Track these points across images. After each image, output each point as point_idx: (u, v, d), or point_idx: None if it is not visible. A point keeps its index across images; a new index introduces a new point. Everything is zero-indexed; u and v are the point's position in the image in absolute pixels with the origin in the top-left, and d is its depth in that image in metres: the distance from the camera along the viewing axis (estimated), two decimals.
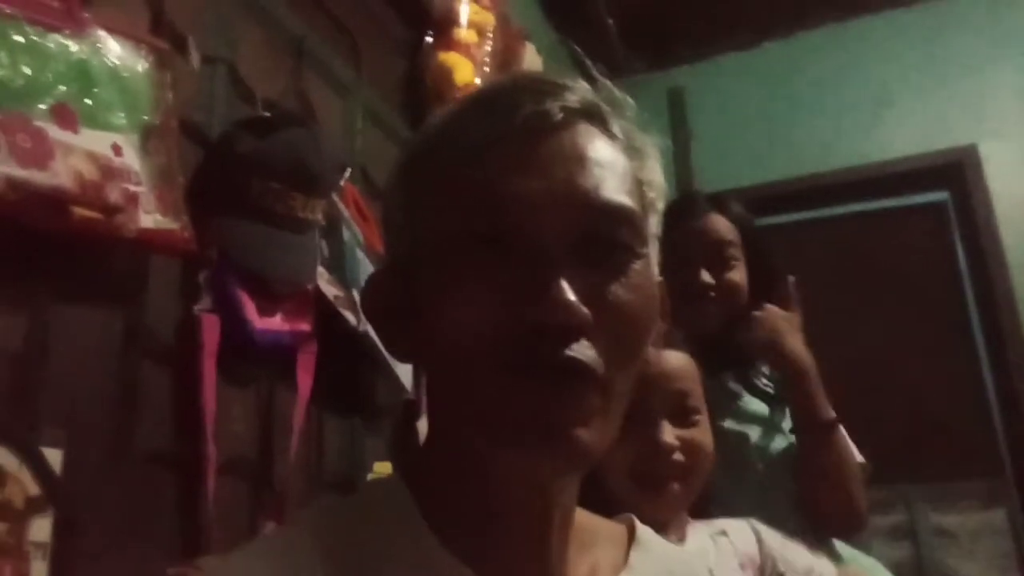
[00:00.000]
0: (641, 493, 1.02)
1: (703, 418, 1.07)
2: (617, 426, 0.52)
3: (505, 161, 0.50)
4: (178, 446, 1.07)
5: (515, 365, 0.47)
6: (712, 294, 1.47)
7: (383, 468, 1.52)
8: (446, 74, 1.76)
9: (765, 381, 1.53)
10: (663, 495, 1.02)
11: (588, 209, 0.50)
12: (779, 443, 1.47)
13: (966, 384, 2.85)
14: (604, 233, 0.51)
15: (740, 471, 1.42)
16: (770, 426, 1.48)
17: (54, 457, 0.90)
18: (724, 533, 1.06)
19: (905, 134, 2.97)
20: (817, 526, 1.37)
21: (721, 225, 1.51)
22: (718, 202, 1.56)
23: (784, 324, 1.43)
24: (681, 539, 1.05)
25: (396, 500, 0.55)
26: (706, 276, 1.47)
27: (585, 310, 0.47)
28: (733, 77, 3.26)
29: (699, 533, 1.07)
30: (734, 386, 1.52)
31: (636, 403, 1.00)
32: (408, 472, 0.57)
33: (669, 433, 1.03)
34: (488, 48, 1.87)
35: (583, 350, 0.47)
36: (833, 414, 1.39)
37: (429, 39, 1.84)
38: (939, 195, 3.06)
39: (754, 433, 1.47)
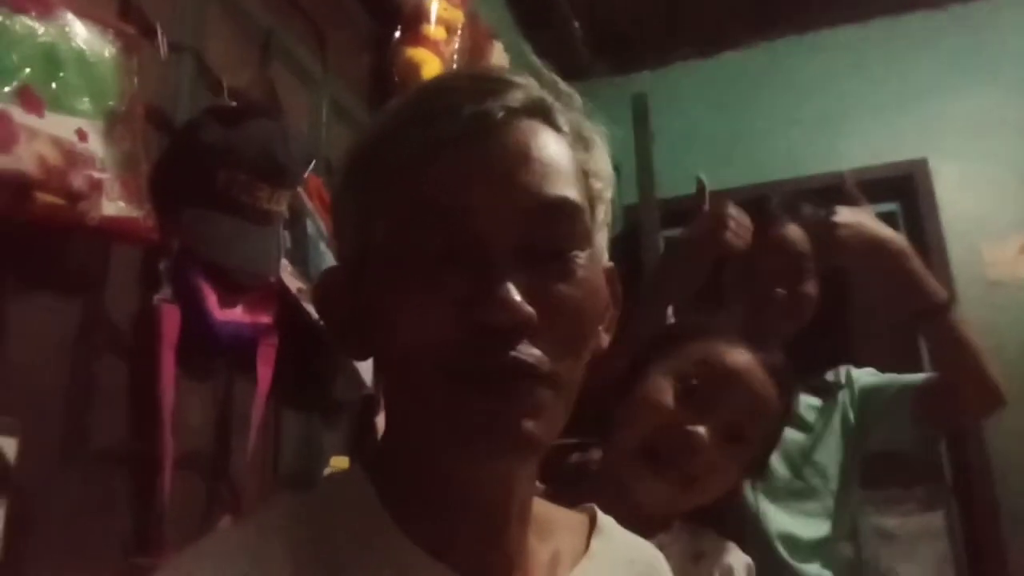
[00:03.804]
0: (639, 465, 0.96)
1: (747, 451, 1.00)
2: (567, 414, 0.53)
3: (447, 168, 0.50)
4: (135, 438, 1.06)
5: (463, 369, 0.48)
6: (785, 306, 1.45)
7: (340, 463, 1.51)
8: (414, 70, 1.76)
9: (826, 380, 1.52)
10: (655, 482, 0.96)
11: (531, 211, 0.51)
12: (819, 451, 1.44)
13: None
14: (547, 232, 0.51)
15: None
16: (807, 428, 1.46)
17: (8, 446, 0.88)
18: (699, 557, 0.99)
19: (859, 146, 3.03)
20: (955, 413, 1.40)
21: (796, 236, 1.48)
22: (792, 208, 1.52)
23: (864, 215, 1.41)
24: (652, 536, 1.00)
25: (359, 493, 0.55)
26: (781, 291, 1.45)
27: (529, 309, 0.48)
28: (695, 84, 3.30)
29: (675, 546, 0.98)
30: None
31: (703, 385, 0.97)
32: (369, 465, 0.58)
33: (708, 433, 0.95)
34: (456, 46, 1.86)
35: (527, 350, 0.48)
36: (946, 293, 1.38)
37: (397, 34, 1.83)
38: (890, 206, 3.14)
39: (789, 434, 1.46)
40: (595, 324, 0.55)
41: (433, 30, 1.82)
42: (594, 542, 0.64)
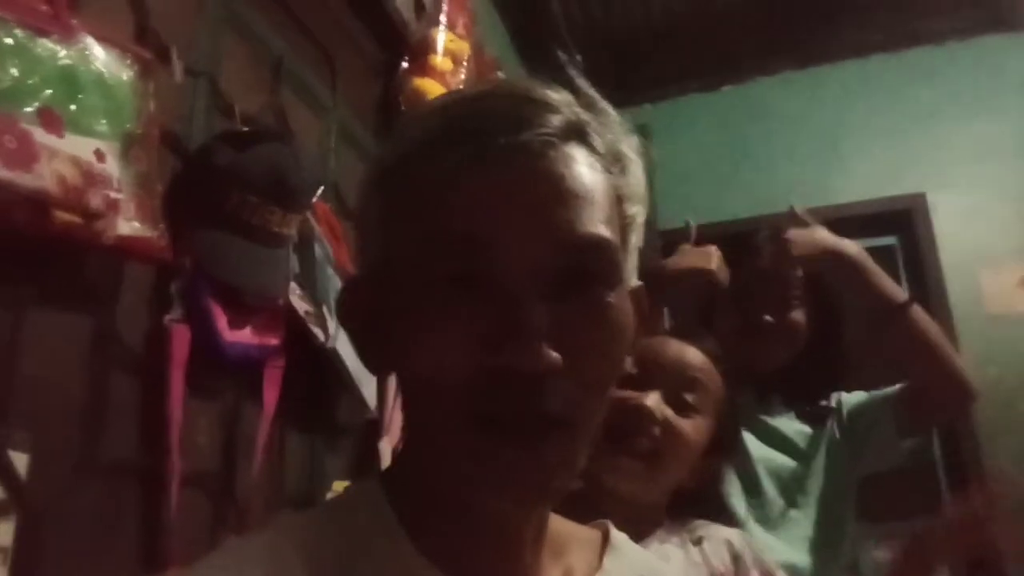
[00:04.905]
0: (603, 451, 1.00)
1: (699, 420, 1.06)
2: (587, 451, 0.52)
3: (478, 197, 0.49)
4: (143, 456, 1.06)
5: (483, 413, 0.47)
6: (774, 334, 1.51)
7: (343, 487, 1.51)
8: (420, 99, 1.78)
9: (820, 405, 1.56)
10: (624, 461, 1.01)
11: (562, 247, 0.49)
12: (811, 477, 1.47)
13: None
14: (578, 269, 0.50)
15: (752, 490, 1.44)
16: (796, 453, 1.50)
17: (20, 461, 0.89)
18: (700, 541, 1.05)
19: (858, 180, 3.07)
20: (930, 413, 1.42)
21: None
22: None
23: (817, 231, 1.46)
24: (650, 535, 1.04)
25: (374, 507, 0.55)
26: (769, 318, 1.50)
27: (555, 356, 0.46)
28: (695, 118, 3.35)
29: (673, 536, 1.05)
30: (778, 409, 1.55)
31: (640, 369, 1.04)
32: (385, 479, 0.58)
33: (657, 402, 1.02)
34: (462, 76, 1.90)
35: (550, 396, 0.47)
36: (904, 294, 1.41)
37: (405, 64, 1.86)
38: (888, 240, 3.17)
39: (775, 455, 1.48)
40: (621, 362, 0.53)
41: (440, 61, 1.86)
42: (607, 559, 0.63)
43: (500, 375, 0.46)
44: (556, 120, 0.51)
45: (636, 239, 0.57)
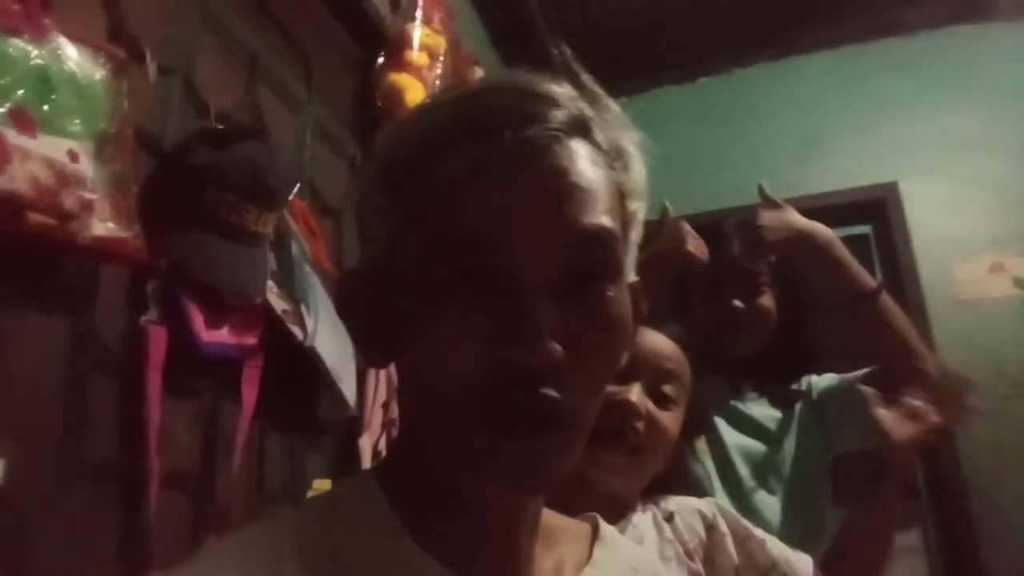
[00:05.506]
0: (587, 447, 0.99)
1: (676, 412, 1.06)
2: (583, 442, 0.53)
3: (485, 196, 0.49)
4: (122, 457, 1.06)
5: (487, 408, 0.48)
6: (744, 319, 1.52)
7: (323, 485, 1.51)
8: (397, 95, 1.78)
9: (790, 389, 1.58)
10: (608, 456, 1.00)
11: (568, 241, 0.50)
12: (783, 461, 1.49)
13: None
14: (582, 265, 0.50)
15: (724, 471, 1.45)
16: (767, 437, 1.52)
17: None
18: (672, 517, 1.04)
19: (832, 170, 3.10)
20: (893, 389, 1.41)
21: None
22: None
23: (788, 212, 1.48)
24: (622, 518, 1.03)
25: (370, 499, 0.55)
26: (738, 304, 1.52)
27: (559, 352, 0.47)
28: (671, 111, 3.35)
29: (645, 516, 1.05)
30: (750, 395, 1.57)
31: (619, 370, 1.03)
32: (379, 473, 0.58)
33: (639, 396, 1.02)
34: (439, 71, 1.89)
35: (551, 393, 0.48)
36: (874, 281, 1.43)
37: (381, 59, 1.86)
38: (862, 228, 3.20)
39: (748, 441, 1.50)
40: (621, 357, 0.55)
41: (416, 56, 1.86)
42: (597, 551, 0.63)
43: (505, 372, 0.47)
44: (560, 115, 0.51)
45: (636, 235, 0.57)
